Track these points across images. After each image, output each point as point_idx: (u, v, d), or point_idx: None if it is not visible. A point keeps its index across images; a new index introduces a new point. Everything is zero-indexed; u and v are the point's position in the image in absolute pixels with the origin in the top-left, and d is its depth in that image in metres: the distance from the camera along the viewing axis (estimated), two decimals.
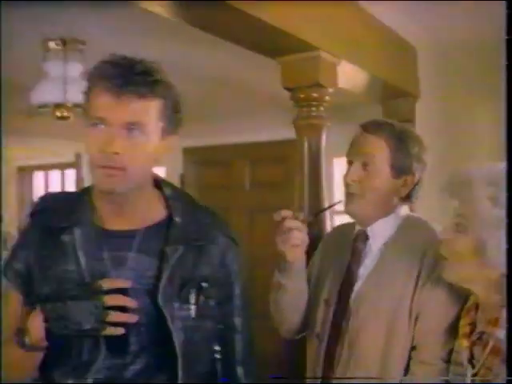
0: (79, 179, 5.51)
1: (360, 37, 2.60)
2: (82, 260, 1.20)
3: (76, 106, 2.45)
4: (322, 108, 2.32)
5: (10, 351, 1.18)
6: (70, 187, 5.85)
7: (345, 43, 2.46)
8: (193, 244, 1.26)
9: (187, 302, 1.23)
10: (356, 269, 1.61)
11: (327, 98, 2.33)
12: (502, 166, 1.37)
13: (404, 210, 1.64)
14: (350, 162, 1.63)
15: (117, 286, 1.16)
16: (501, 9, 2.72)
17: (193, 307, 1.23)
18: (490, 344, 1.31)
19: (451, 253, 1.38)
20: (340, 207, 1.70)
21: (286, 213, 1.55)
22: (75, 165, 5.57)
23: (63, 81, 2.41)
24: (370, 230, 1.62)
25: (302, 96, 2.29)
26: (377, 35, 2.78)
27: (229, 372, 1.32)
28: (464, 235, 1.35)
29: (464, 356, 1.36)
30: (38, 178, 6.64)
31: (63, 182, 6.35)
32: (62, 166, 6.24)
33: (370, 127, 1.61)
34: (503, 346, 1.28)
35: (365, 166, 1.59)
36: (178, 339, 1.20)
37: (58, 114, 2.51)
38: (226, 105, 4.08)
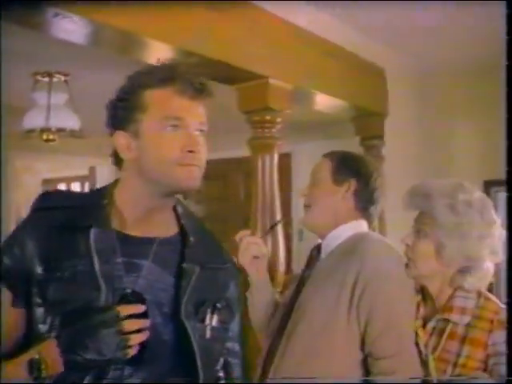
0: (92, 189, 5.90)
1: (318, 64, 2.87)
2: (96, 262, 1.15)
3: (60, 130, 2.78)
4: (274, 129, 2.58)
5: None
6: None
7: (299, 71, 2.74)
8: (205, 265, 1.26)
9: (203, 321, 1.22)
10: (307, 274, 1.72)
11: (279, 119, 2.60)
12: (456, 180, 1.66)
13: (359, 224, 1.72)
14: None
15: (136, 311, 1.11)
16: (480, 24, 2.95)
17: (208, 327, 1.22)
18: (448, 329, 1.55)
19: (414, 254, 1.62)
20: None
21: (244, 233, 1.75)
22: (90, 177, 5.95)
23: (47, 108, 2.76)
24: (323, 242, 1.73)
25: (256, 118, 2.58)
26: (337, 61, 3.04)
27: None
28: (425, 239, 1.59)
29: (422, 345, 1.57)
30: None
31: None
32: (82, 179, 6.67)
33: (323, 154, 1.80)
34: (459, 330, 1.54)
35: (312, 181, 1.76)
36: (199, 359, 1.19)
37: (44, 137, 2.86)
38: (220, 125, 4.38)
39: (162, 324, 1.19)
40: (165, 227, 1.26)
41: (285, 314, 1.69)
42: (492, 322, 1.52)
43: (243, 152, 2.69)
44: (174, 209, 1.30)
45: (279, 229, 2.57)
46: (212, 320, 1.23)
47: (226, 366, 1.31)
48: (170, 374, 1.19)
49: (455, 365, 1.53)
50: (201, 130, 1.20)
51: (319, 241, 1.76)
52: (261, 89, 2.53)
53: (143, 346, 1.13)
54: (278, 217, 2.58)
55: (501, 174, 1.75)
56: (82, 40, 2.04)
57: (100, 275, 1.14)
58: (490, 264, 1.58)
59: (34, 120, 2.84)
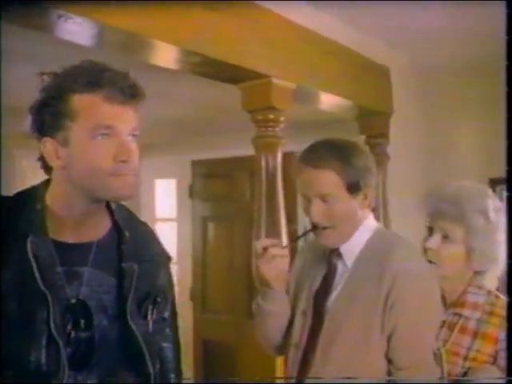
0: None
1: (321, 63, 2.89)
2: (37, 274, 1.10)
3: None
4: (277, 128, 2.60)
5: None
6: None
7: (302, 70, 2.75)
8: (142, 259, 1.25)
9: (145, 317, 1.23)
10: (331, 282, 1.62)
11: (282, 118, 2.61)
12: (479, 185, 1.71)
13: (370, 219, 1.65)
14: (307, 199, 1.59)
15: None
16: (480, 24, 2.95)
17: (150, 322, 1.24)
18: (460, 323, 1.61)
19: (440, 258, 1.65)
20: None
21: (266, 242, 1.61)
22: None
23: None
24: (342, 248, 1.61)
25: (259, 117, 2.59)
26: (340, 60, 3.06)
27: (163, 380, 1.32)
28: (453, 244, 1.63)
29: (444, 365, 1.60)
30: None
31: None
32: None
33: (312, 161, 1.56)
34: (468, 324, 1.59)
35: (323, 199, 1.56)
36: (147, 355, 1.21)
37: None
38: (226, 124, 4.40)
39: (108, 326, 1.19)
40: (99, 227, 1.24)
41: (314, 324, 1.61)
42: (503, 317, 1.56)
43: (249, 151, 2.70)
44: (107, 204, 1.27)
45: (283, 229, 2.59)
46: (153, 314, 1.25)
47: (160, 351, 1.32)
48: (121, 372, 1.21)
49: (465, 358, 1.57)
50: (133, 135, 1.17)
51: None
52: (264, 88, 2.54)
53: (91, 350, 1.16)
54: (282, 216, 2.59)
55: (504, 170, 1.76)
56: (87, 41, 2.06)
57: (43, 286, 1.10)
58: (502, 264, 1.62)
59: None
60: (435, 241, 1.65)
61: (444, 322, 1.62)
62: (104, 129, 1.13)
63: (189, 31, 2.18)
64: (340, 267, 1.62)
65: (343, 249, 1.61)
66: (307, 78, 2.79)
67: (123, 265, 1.22)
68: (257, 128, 2.62)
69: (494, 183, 3.60)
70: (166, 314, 1.32)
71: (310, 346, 1.59)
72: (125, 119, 1.15)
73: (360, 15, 2.88)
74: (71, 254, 1.18)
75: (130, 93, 1.15)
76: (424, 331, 1.53)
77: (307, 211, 1.59)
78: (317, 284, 1.64)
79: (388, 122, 3.54)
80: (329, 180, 1.54)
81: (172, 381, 1.34)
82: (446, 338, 1.61)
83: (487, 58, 3.19)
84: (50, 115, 1.15)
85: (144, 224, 1.39)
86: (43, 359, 1.09)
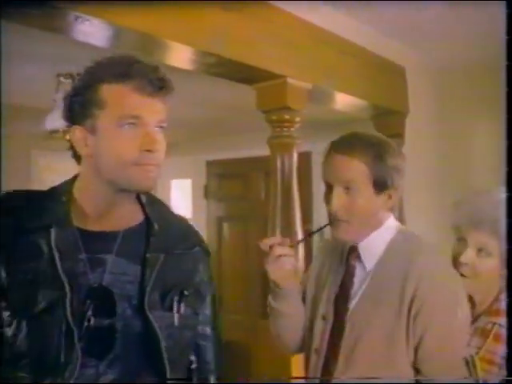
0: None
1: (336, 63, 2.88)
2: (58, 261, 1.14)
3: None
4: (292, 128, 2.60)
5: None
6: None
7: (317, 70, 2.75)
8: (171, 252, 1.26)
9: (170, 310, 1.22)
10: (350, 285, 1.56)
11: (298, 119, 2.61)
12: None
13: (391, 220, 1.58)
14: (329, 186, 1.53)
15: None
16: (495, 25, 2.93)
17: (176, 315, 1.22)
18: (494, 330, 1.55)
19: (473, 273, 1.57)
20: None
21: (272, 240, 1.53)
22: None
23: None
24: (361, 247, 1.55)
25: (274, 118, 2.59)
26: (356, 60, 3.04)
27: (203, 381, 1.31)
28: (490, 258, 1.57)
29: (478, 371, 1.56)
30: None
31: None
32: None
33: (344, 149, 1.50)
34: (503, 332, 1.53)
35: (347, 189, 1.49)
36: (163, 346, 1.18)
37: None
38: (241, 124, 4.41)
39: (132, 316, 1.19)
40: (128, 218, 1.25)
41: (334, 330, 1.55)
42: None
43: (264, 151, 2.70)
44: (138, 198, 1.29)
45: (298, 228, 2.58)
46: (180, 308, 1.23)
47: (198, 350, 1.31)
48: (144, 366, 1.19)
49: (499, 366, 1.52)
50: (160, 127, 1.18)
51: (350, 244, 1.59)
52: (279, 88, 2.54)
53: (113, 339, 1.15)
54: (298, 216, 2.59)
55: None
56: (103, 42, 2.07)
57: (63, 274, 1.13)
58: None
59: (56, 121, 2.90)
60: (471, 255, 1.57)
61: (476, 329, 1.58)
62: (131, 118, 1.14)
63: (204, 32, 2.19)
64: (358, 269, 1.56)
65: (362, 248, 1.55)
66: (322, 77, 2.79)
67: (147, 255, 1.22)
68: (272, 128, 2.62)
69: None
70: (201, 310, 1.31)
71: (332, 352, 1.53)
72: (152, 110, 1.16)
73: (375, 15, 2.87)
74: (96, 241, 1.20)
75: (159, 85, 1.16)
76: (453, 339, 1.46)
77: (327, 200, 1.52)
78: (336, 287, 1.59)
79: (403, 121, 3.52)
80: (357, 169, 1.47)
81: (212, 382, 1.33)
82: (479, 346, 1.56)
83: (503, 58, 3.16)
84: (79, 104, 1.18)
85: (180, 218, 1.39)
86: (62, 346, 1.11)
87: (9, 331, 1.12)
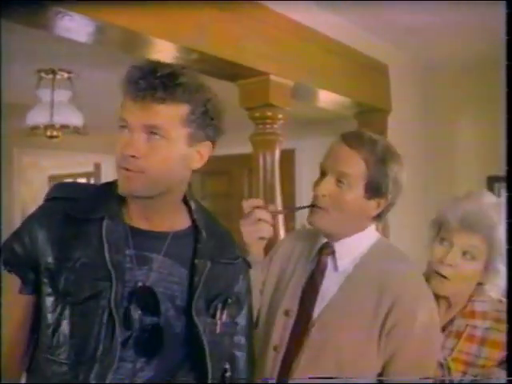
0: None
1: (320, 60, 2.89)
2: (107, 253, 1.15)
3: (63, 126, 2.82)
4: (275, 125, 2.61)
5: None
6: None
7: (301, 68, 2.76)
8: (217, 260, 1.27)
9: (213, 317, 1.24)
10: (319, 282, 1.51)
11: (280, 116, 2.62)
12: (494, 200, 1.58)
13: (372, 229, 1.54)
14: (323, 172, 1.50)
15: None
16: (480, 24, 2.97)
17: (218, 322, 1.24)
18: (467, 331, 1.56)
19: (455, 275, 1.54)
20: None
21: (255, 202, 1.51)
22: (95, 174, 5.99)
23: (51, 105, 2.79)
24: (337, 246, 1.51)
25: (257, 115, 2.60)
26: (339, 58, 3.05)
27: None
28: (473, 262, 1.55)
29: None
30: None
31: None
32: (87, 175, 6.72)
33: (351, 141, 1.47)
34: (476, 332, 1.55)
35: (338, 181, 1.46)
36: (207, 351, 1.21)
37: (48, 133, 2.89)
38: (224, 121, 4.41)
39: (174, 317, 1.20)
40: (176, 222, 1.26)
41: (297, 328, 1.50)
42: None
43: (248, 148, 2.70)
44: (187, 204, 1.30)
45: (281, 221, 2.59)
46: (222, 315, 1.25)
47: (232, 359, 1.32)
48: (179, 366, 1.21)
49: (474, 366, 1.53)
50: (154, 134, 1.14)
51: (324, 240, 1.54)
52: (262, 85, 2.55)
53: (156, 337, 1.16)
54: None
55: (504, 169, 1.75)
56: (85, 38, 2.06)
57: (111, 266, 1.15)
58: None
59: (37, 117, 2.89)
60: (454, 256, 1.55)
61: (451, 332, 1.58)
62: (120, 121, 1.16)
63: (187, 28, 2.19)
64: (330, 267, 1.52)
65: (338, 246, 1.51)
66: (305, 75, 2.80)
67: (196, 261, 1.24)
68: (255, 125, 2.62)
69: (491, 181, 3.63)
70: (239, 320, 1.33)
71: (292, 350, 1.48)
72: (136, 114, 1.14)
73: (360, 14, 2.88)
74: (145, 240, 1.21)
75: (147, 90, 1.13)
76: (425, 359, 1.45)
77: (316, 184, 1.49)
78: (303, 282, 1.53)
79: (386, 119, 3.55)
80: (356, 165, 1.44)
81: None
82: (452, 347, 1.57)
83: (487, 58, 3.20)
84: None
85: (224, 228, 1.39)
86: (102, 334, 1.13)
87: (51, 317, 1.15)
